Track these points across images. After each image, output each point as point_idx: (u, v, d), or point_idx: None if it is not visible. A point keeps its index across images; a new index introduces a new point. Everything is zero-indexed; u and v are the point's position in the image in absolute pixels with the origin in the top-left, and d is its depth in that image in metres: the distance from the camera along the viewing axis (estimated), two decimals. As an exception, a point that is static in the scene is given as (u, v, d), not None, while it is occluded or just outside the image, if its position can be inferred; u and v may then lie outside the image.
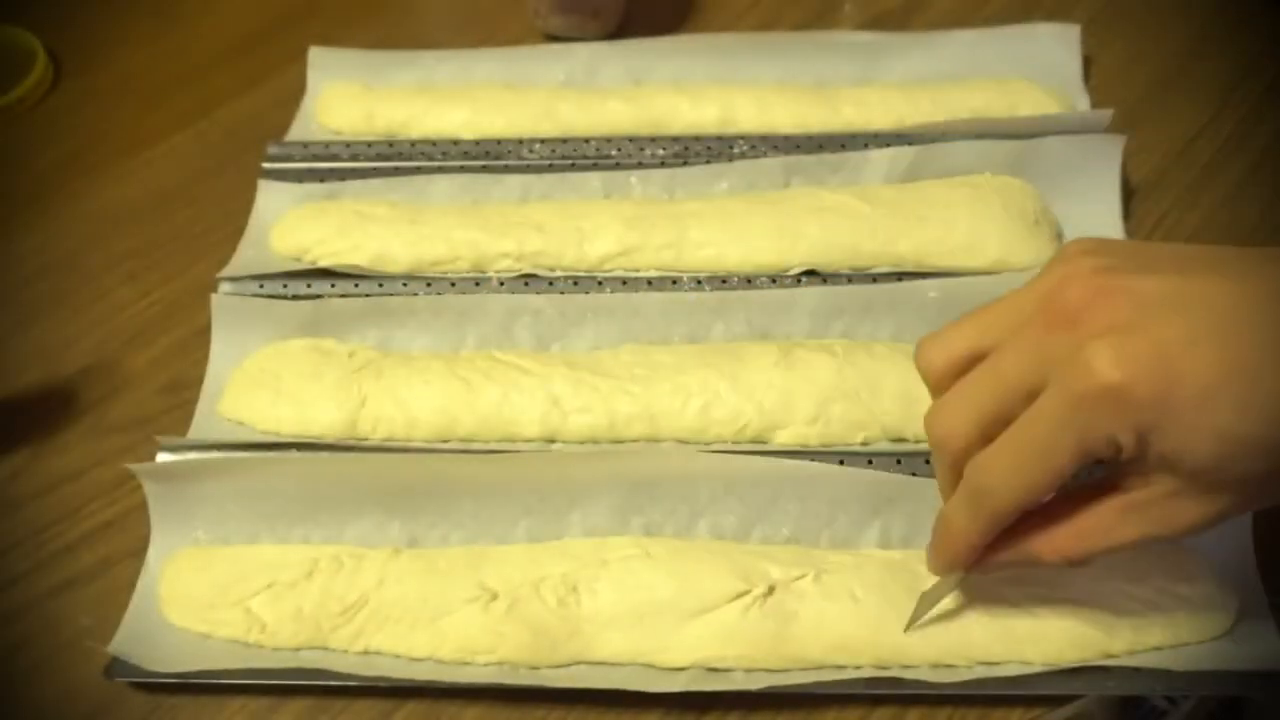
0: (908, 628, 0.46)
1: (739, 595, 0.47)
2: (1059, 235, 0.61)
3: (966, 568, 0.43)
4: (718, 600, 0.47)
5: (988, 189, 0.61)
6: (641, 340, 0.58)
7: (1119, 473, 0.39)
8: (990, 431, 0.39)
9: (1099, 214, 0.62)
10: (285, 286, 0.62)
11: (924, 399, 0.53)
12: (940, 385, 0.42)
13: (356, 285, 0.62)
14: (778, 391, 0.53)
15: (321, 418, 0.55)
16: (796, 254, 0.60)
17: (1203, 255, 0.38)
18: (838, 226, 0.60)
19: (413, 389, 0.55)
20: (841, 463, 0.52)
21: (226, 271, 0.62)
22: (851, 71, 0.72)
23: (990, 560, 0.42)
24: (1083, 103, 0.69)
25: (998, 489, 0.39)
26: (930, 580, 0.46)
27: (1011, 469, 0.39)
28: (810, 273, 0.61)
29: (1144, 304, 0.36)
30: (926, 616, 0.46)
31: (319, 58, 0.75)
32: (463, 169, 0.66)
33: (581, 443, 0.54)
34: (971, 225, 0.60)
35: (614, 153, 0.67)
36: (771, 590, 0.47)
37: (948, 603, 0.46)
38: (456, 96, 0.72)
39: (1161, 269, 0.37)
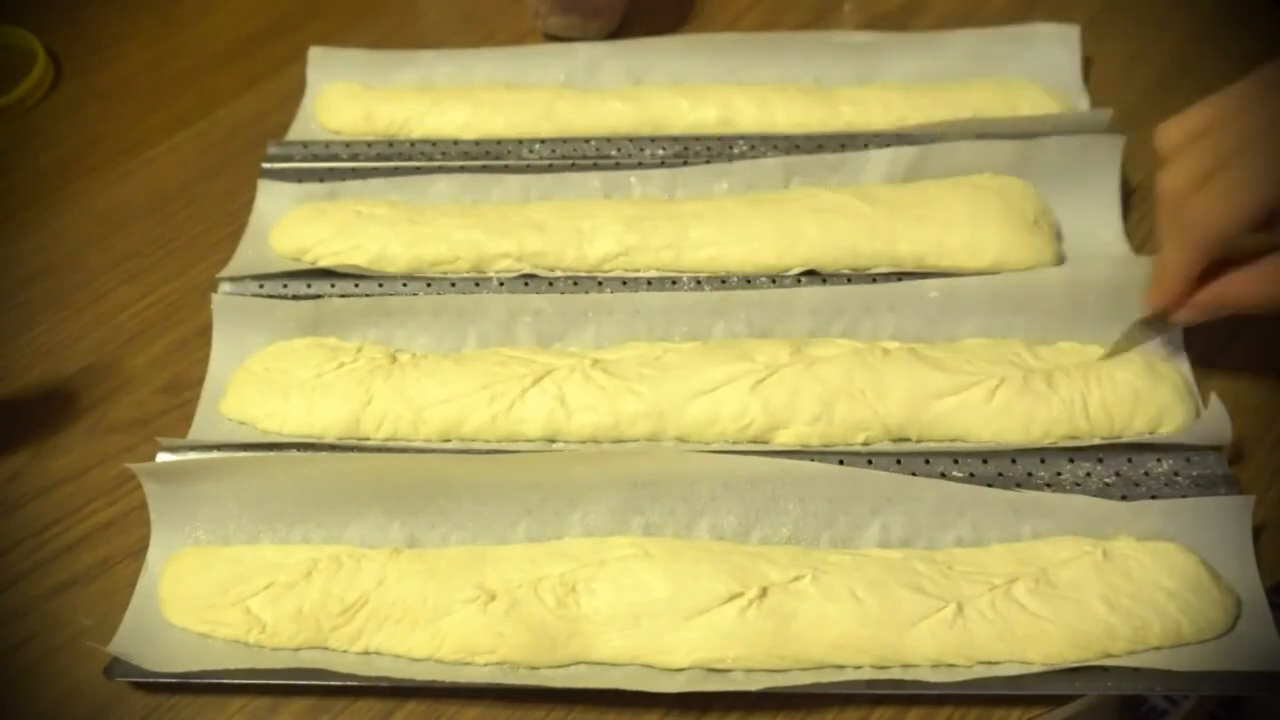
0: (1106, 356, 0.54)
1: (737, 595, 0.47)
2: (1058, 235, 0.61)
3: (1176, 301, 0.50)
4: (716, 600, 0.47)
5: (988, 189, 0.61)
6: (642, 340, 0.58)
7: None
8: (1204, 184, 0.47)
9: (1099, 214, 0.62)
10: (285, 286, 0.62)
11: (927, 400, 0.53)
12: (1173, 157, 0.49)
13: (356, 285, 0.62)
14: (786, 389, 0.53)
15: (327, 414, 0.55)
16: (796, 254, 0.60)
17: None
18: (838, 226, 0.60)
19: (421, 387, 0.55)
20: (841, 463, 0.52)
21: (227, 271, 0.62)
22: (851, 71, 0.72)
23: (1195, 301, 0.50)
24: (1083, 103, 0.69)
25: (1203, 221, 0.47)
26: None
27: (1220, 201, 0.46)
28: (810, 273, 0.61)
29: None
30: (1127, 344, 0.54)
31: (319, 58, 0.75)
32: (463, 169, 0.66)
33: (584, 441, 0.54)
34: (971, 225, 0.60)
35: (614, 153, 0.67)
36: (770, 591, 0.47)
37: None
38: (456, 96, 0.72)
39: None
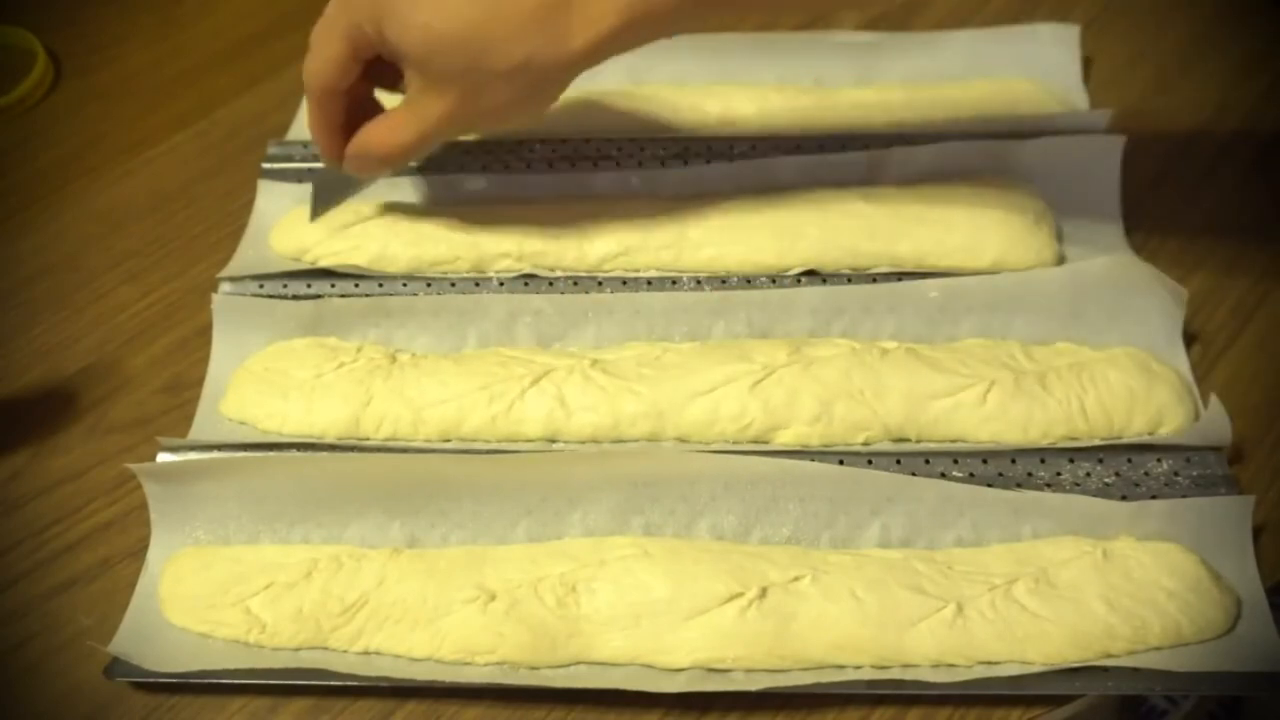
0: (312, 218, 0.60)
1: (737, 596, 0.47)
2: (1058, 235, 0.61)
3: (332, 154, 0.56)
4: (716, 600, 0.47)
5: (988, 189, 0.61)
6: (642, 339, 0.58)
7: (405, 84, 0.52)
8: None
9: (1099, 214, 0.62)
10: (285, 286, 0.62)
11: (925, 400, 0.53)
12: None
13: (356, 285, 0.62)
14: (785, 390, 0.53)
15: (327, 415, 0.55)
16: (796, 254, 0.60)
17: None
18: (838, 226, 0.60)
19: (421, 387, 0.55)
20: (841, 463, 0.52)
21: (227, 271, 0.62)
22: (851, 71, 0.72)
23: (347, 153, 0.55)
24: (1082, 103, 0.69)
25: (308, 69, 0.53)
26: None
27: (311, 55, 0.52)
28: (810, 273, 0.61)
29: None
30: (324, 208, 0.61)
31: (319, 58, 0.75)
32: (462, 169, 0.66)
33: (583, 442, 0.54)
34: (971, 225, 0.60)
35: (614, 153, 0.67)
36: (770, 591, 0.47)
37: None
38: (456, 96, 0.71)
39: None
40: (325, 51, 0.52)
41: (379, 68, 0.53)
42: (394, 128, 0.53)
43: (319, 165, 0.68)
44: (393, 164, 0.55)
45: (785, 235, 0.60)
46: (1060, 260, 0.60)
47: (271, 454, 0.54)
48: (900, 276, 0.60)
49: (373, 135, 0.54)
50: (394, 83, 0.55)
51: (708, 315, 0.58)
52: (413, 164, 0.67)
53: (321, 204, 0.61)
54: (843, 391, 0.53)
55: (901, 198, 0.61)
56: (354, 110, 0.55)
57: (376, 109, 0.56)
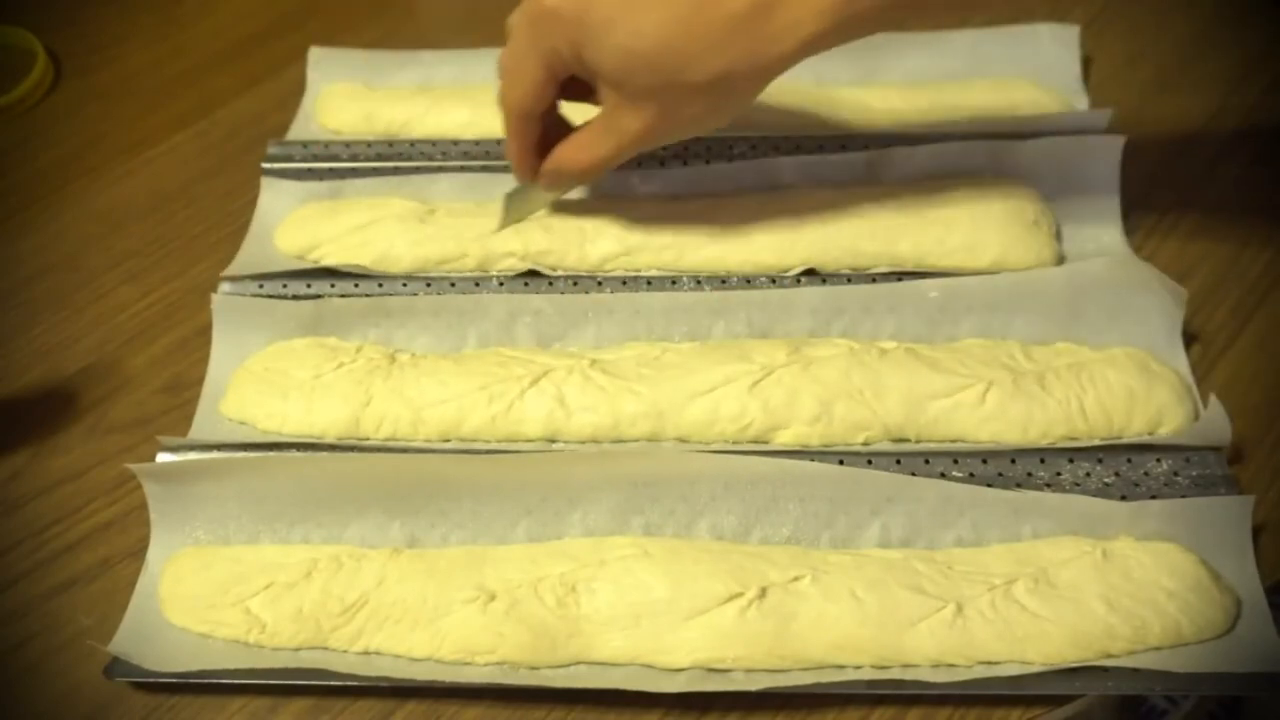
0: (497, 229, 0.61)
1: (737, 596, 0.47)
2: (1058, 235, 0.61)
3: (530, 171, 0.57)
4: (716, 600, 0.47)
5: (988, 189, 0.61)
6: (642, 339, 0.58)
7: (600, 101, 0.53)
8: None
9: (1099, 214, 0.62)
10: (285, 286, 0.62)
11: (924, 400, 0.53)
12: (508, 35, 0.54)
13: (356, 285, 0.62)
14: (785, 390, 0.53)
15: (327, 415, 0.55)
16: (796, 254, 0.60)
17: None
18: (838, 226, 0.60)
19: (420, 387, 0.55)
20: (841, 463, 0.52)
21: (231, 269, 0.62)
22: (851, 71, 0.72)
23: (542, 170, 0.56)
24: (1082, 103, 0.69)
25: (507, 95, 0.54)
26: None
27: (508, 84, 0.53)
28: (810, 273, 0.61)
29: None
30: (513, 219, 0.61)
31: (319, 58, 0.75)
32: (463, 169, 0.66)
33: (584, 442, 0.54)
34: (972, 225, 0.60)
35: (614, 153, 0.67)
36: (770, 591, 0.47)
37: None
38: (456, 97, 0.72)
39: None
40: (523, 79, 0.52)
41: (569, 82, 0.54)
42: (589, 144, 0.54)
43: (321, 165, 0.68)
44: (586, 179, 0.57)
45: (785, 235, 0.60)
46: (1060, 260, 0.60)
47: (271, 454, 0.54)
48: (900, 276, 0.60)
49: (568, 153, 0.55)
50: (584, 95, 0.54)
51: (707, 315, 0.58)
52: (412, 164, 0.68)
53: (511, 217, 0.62)
54: (842, 391, 0.53)
55: (902, 197, 0.61)
56: (546, 129, 0.56)
57: (566, 126, 0.57)
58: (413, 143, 0.70)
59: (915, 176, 0.63)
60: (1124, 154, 0.62)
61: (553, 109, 0.56)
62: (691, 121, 0.52)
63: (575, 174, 0.56)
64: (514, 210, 0.61)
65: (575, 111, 0.56)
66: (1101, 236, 0.62)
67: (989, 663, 0.46)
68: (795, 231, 0.60)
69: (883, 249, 0.60)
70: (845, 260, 0.60)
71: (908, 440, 0.54)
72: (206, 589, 0.49)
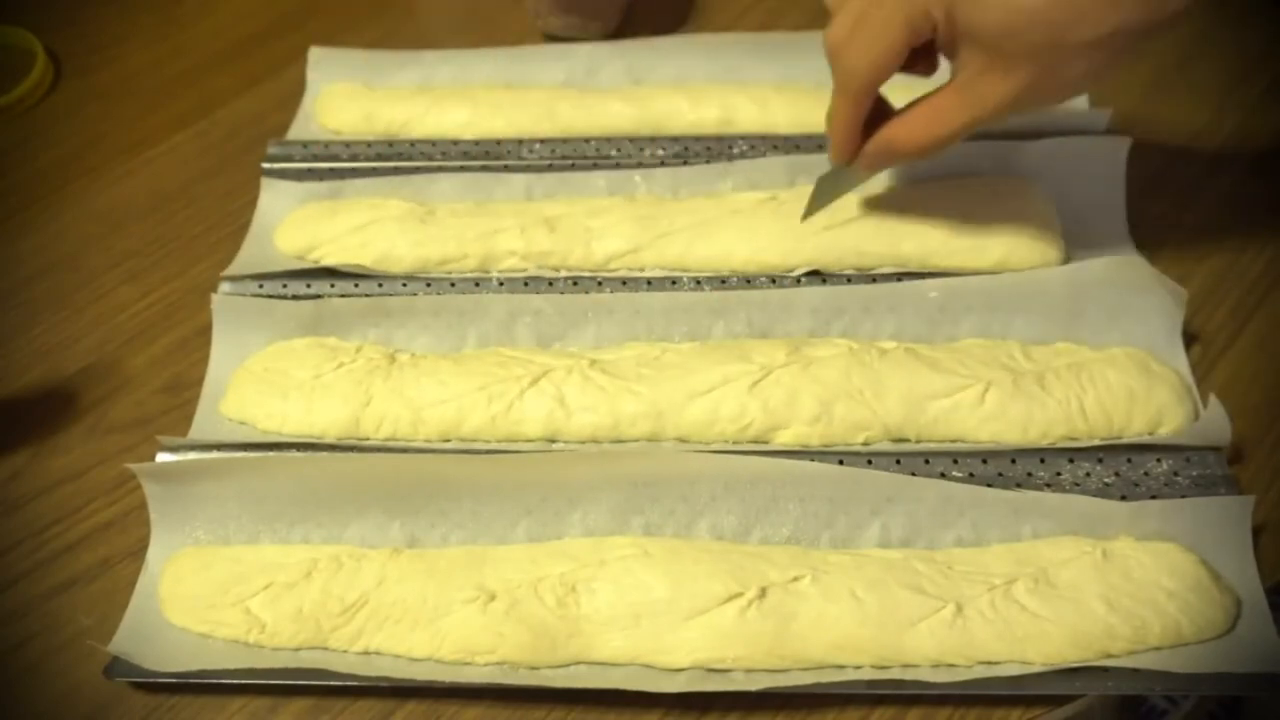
0: (804, 216, 0.59)
1: (737, 596, 0.47)
2: (1064, 236, 0.61)
3: (851, 152, 0.54)
4: (716, 600, 0.47)
5: (998, 189, 0.61)
6: (642, 339, 0.58)
7: (954, 69, 0.49)
8: None
9: (1102, 214, 0.62)
10: (285, 286, 0.62)
11: (924, 401, 0.53)
12: (835, 9, 0.51)
13: (356, 285, 0.62)
14: (785, 390, 0.53)
15: (327, 415, 0.55)
16: (803, 253, 0.60)
17: None
18: (845, 226, 0.60)
19: (420, 387, 0.55)
20: (841, 463, 0.52)
21: (231, 269, 0.62)
22: (851, 72, 0.72)
23: (865, 150, 0.53)
24: (1082, 102, 0.69)
25: (855, 66, 0.50)
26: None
27: (862, 50, 0.49)
28: (812, 272, 0.61)
29: None
30: (824, 208, 0.59)
31: (319, 58, 0.75)
32: (463, 169, 0.66)
33: (583, 442, 0.54)
34: (981, 225, 0.60)
35: (614, 153, 0.67)
36: (770, 591, 0.47)
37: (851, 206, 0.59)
38: (456, 97, 0.72)
39: None
40: (877, 45, 0.49)
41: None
42: (935, 117, 0.51)
43: (321, 165, 0.68)
44: (924, 156, 0.52)
45: (791, 235, 0.60)
46: (1066, 262, 0.60)
47: (271, 454, 0.54)
48: (900, 276, 0.60)
49: (902, 130, 0.52)
50: (908, 65, 0.52)
51: (708, 315, 0.58)
52: (412, 164, 0.68)
53: (820, 202, 0.59)
54: (842, 391, 0.53)
55: (908, 197, 0.61)
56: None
57: (885, 105, 0.54)
58: (413, 143, 0.70)
59: (918, 176, 0.63)
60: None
61: None
62: (1066, 86, 0.48)
63: (912, 151, 0.52)
64: (825, 194, 0.59)
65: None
66: (1107, 238, 0.62)
67: (989, 663, 0.46)
68: (802, 230, 0.60)
69: (888, 248, 0.60)
70: (850, 260, 0.60)
71: (908, 440, 0.54)
72: (206, 589, 0.49)
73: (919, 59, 0.51)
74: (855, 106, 0.52)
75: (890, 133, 0.52)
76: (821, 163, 0.64)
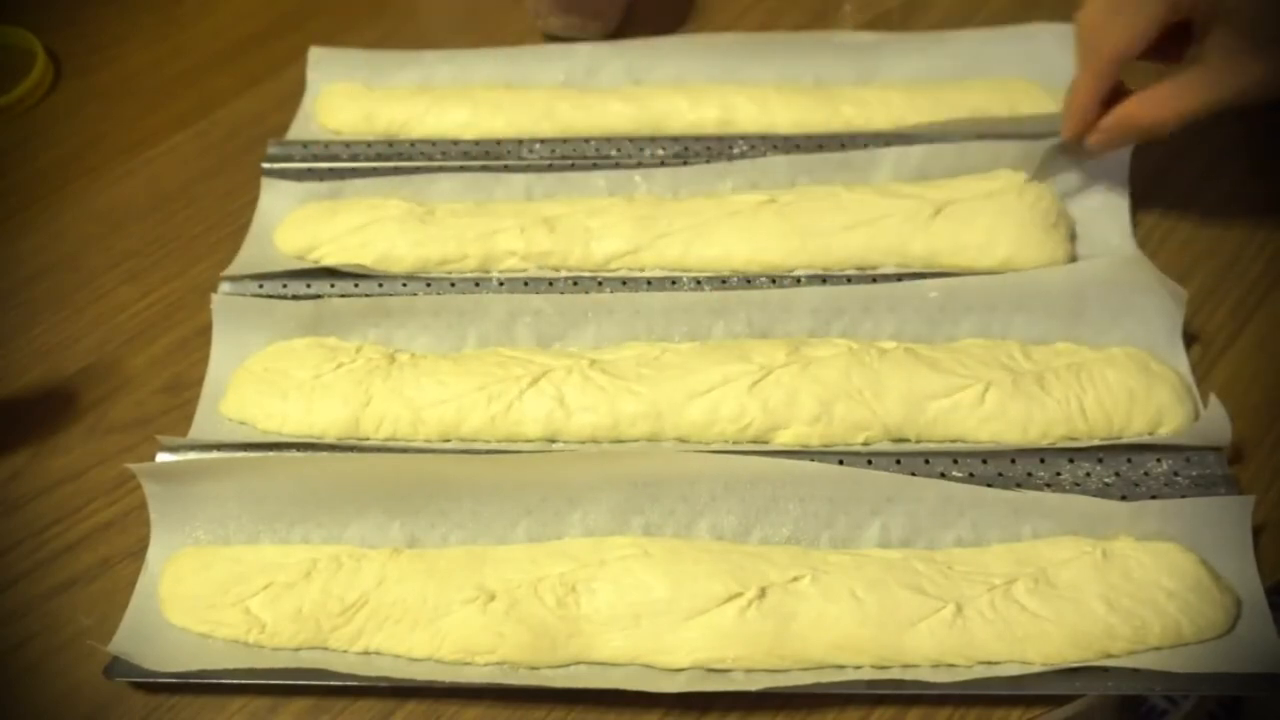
0: (1031, 178, 0.60)
1: (737, 596, 0.47)
2: (1073, 236, 0.61)
3: (1086, 126, 0.56)
4: (716, 600, 0.47)
5: (1006, 188, 0.61)
6: (642, 340, 0.58)
7: (1202, 50, 0.51)
8: None
9: (1105, 214, 0.62)
10: (285, 286, 0.62)
11: (924, 401, 0.53)
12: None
13: (356, 285, 0.62)
14: (784, 390, 0.53)
15: (327, 415, 0.55)
16: (805, 253, 0.60)
17: None
18: (850, 226, 0.60)
19: (420, 387, 0.55)
20: (841, 463, 0.52)
21: (231, 269, 0.62)
22: (851, 72, 0.72)
23: (1102, 125, 0.55)
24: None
25: (1103, 44, 0.52)
26: None
27: (1118, 24, 0.51)
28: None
29: None
30: (1048, 175, 0.61)
31: (319, 58, 0.75)
32: (463, 169, 0.66)
33: (583, 442, 0.54)
34: (992, 224, 0.59)
35: (614, 153, 0.67)
36: (770, 591, 0.47)
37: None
38: (456, 96, 0.72)
39: None
40: (1137, 19, 0.51)
41: None
42: (1180, 93, 0.52)
43: (321, 165, 0.68)
44: (1157, 136, 0.54)
45: (794, 234, 0.60)
46: (1072, 261, 0.60)
47: (271, 454, 0.54)
48: (900, 276, 0.60)
49: (1141, 108, 0.54)
50: (1155, 53, 0.54)
51: (707, 315, 0.58)
52: (412, 164, 0.68)
53: (1047, 171, 0.61)
54: (842, 391, 0.53)
55: (921, 195, 0.61)
56: None
57: (1123, 86, 0.56)
58: (413, 143, 0.70)
59: (919, 176, 0.63)
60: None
61: None
62: None
63: (1152, 127, 0.54)
64: (1050, 165, 0.61)
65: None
66: (1110, 238, 0.61)
67: (989, 663, 0.46)
68: (805, 230, 0.60)
69: (894, 247, 0.60)
70: (854, 259, 0.60)
71: (908, 440, 0.54)
72: (206, 589, 0.49)
73: (1168, 45, 0.53)
74: (1101, 80, 0.54)
75: (1130, 108, 0.54)
76: (822, 163, 0.64)
